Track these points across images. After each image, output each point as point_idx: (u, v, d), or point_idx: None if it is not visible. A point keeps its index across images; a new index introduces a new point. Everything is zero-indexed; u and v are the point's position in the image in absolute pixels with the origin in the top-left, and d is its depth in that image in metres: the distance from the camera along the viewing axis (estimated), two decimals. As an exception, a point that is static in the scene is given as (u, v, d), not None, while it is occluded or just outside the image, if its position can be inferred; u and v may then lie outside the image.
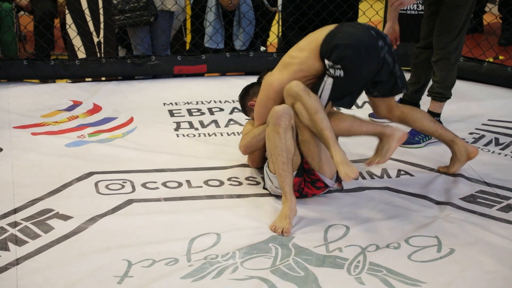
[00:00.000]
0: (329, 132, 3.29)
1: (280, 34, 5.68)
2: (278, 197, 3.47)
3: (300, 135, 3.43)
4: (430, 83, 4.25)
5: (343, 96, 3.44)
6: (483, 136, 4.27)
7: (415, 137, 4.16)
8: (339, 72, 3.37)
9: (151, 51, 5.23)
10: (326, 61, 3.39)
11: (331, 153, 3.29)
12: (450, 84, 4.19)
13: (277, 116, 3.33)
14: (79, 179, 3.61)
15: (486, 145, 4.16)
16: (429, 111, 4.19)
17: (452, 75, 4.17)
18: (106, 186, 3.55)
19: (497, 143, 4.18)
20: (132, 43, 5.24)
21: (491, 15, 5.77)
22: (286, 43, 5.39)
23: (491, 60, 5.49)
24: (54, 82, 5.07)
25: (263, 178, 3.60)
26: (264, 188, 3.58)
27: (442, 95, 4.19)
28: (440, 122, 4.13)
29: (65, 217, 3.25)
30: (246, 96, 3.81)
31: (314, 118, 3.31)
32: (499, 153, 4.07)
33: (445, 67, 4.11)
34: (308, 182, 3.49)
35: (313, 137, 3.39)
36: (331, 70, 3.38)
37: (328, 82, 3.40)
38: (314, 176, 3.47)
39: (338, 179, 3.54)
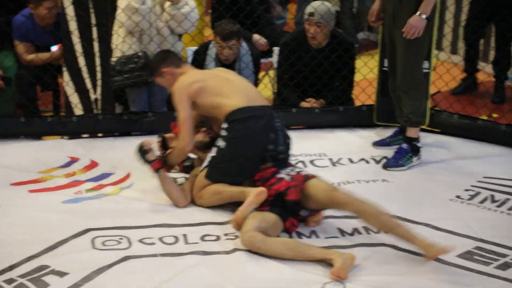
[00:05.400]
0: None
1: (275, 90, 5.72)
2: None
3: None
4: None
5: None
6: (478, 193, 4.28)
7: (399, 161, 4.45)
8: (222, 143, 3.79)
9: (148, 108, 5.25)
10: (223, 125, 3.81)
11: None
12: (423, 111, 4.52)
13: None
14: (75, 235, 3.60)
15: (482, 202, 4.17)
16: (407, 137, 4.53)
17: (424, 103, 4.50)
18: (103, 243, 3.55)
19: (493, 200, 4.19)
20: (129, 100, 5.26)
21: (484, 74, 5.84)
22: (282, 100, 5.44)
23: (485, 118, 5.54)
24: (40, 139, 5.02)
25: None
26: None
27: (419, 122, 4.51)
28: (419, 146, 4.52)
29: (61, 274, 3.23)
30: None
31: None
32: (495, 210, 4.08)
33: (416, 97, 4.44)
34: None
35: None
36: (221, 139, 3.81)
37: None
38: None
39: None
